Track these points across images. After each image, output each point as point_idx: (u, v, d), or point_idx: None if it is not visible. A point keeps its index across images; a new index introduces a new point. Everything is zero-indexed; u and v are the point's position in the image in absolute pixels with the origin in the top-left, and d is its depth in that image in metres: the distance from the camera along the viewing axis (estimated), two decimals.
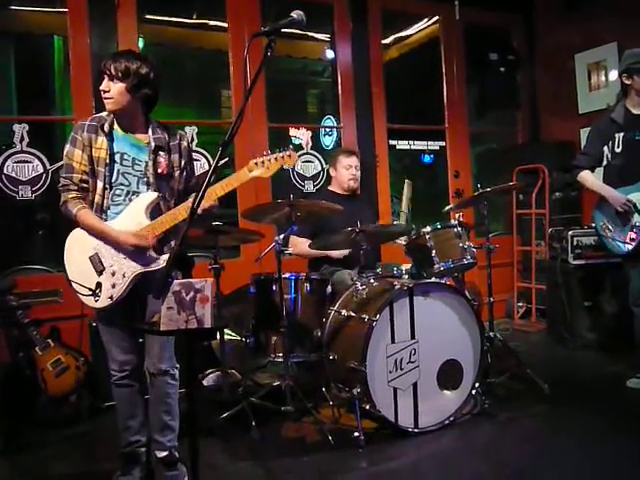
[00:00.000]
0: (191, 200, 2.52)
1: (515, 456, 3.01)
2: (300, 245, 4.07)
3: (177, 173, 2.79)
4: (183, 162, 2.81)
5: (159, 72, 2.71)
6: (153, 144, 2.71)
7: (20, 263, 4.42)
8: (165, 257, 2.63)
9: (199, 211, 2.53)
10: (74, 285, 2.69)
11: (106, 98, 2.63)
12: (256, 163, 2.63)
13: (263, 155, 2.64)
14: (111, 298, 2.63)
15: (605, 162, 3.96)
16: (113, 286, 2.63)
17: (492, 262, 4.00)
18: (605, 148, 3.91)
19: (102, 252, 2.66)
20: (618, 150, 3.84)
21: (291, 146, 2.68)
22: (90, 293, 2.65)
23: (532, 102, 6.55)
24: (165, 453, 2.78)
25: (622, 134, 3.82)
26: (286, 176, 5.27)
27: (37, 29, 5.47)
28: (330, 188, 4.52)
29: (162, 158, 2.73)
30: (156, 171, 2.71)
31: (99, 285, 2.65)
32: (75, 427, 3.61)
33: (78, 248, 2.71)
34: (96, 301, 2.65)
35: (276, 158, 2.64)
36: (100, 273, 2.65)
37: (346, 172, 4.35)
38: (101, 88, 2.62)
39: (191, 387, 2.03)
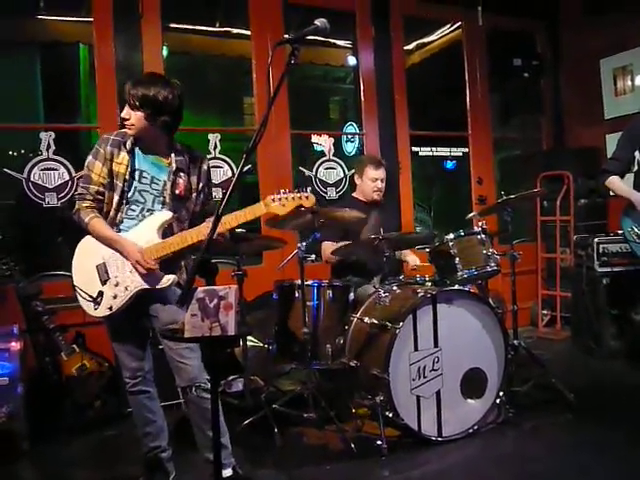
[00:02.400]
0: (203, 225, 2.58)
1: (539, 466, 2.96)
2: (331, 249, 4.04)
3: (194, 195, 2.80)
4: (201, 185, 2.82)
5: (181, 92, 2.70)
6: (174, 165, 2.73)
7: (46, 269, 4.47)
8: (170, 277, 2.64)
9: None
10: (77, 290, 2.72)
11: (127, 125, 2.66)
12: (273, 199, 2.61)
13: (281, 192, 2.63)
14: (110, 309, 2.65)
15: (636, 168, 3.89)
16: (114, 297, 2.65)
17: (516, 269, 3.96)
18: (636, 153, 3.84)
19: (110, 262, 2.68)
20: None
21: (309, 188, 2.68)
22: (90, 300, 2.68)
23: (556, 108, 6.49)
24: (230, 472, 2.73)
25: None
26: (309, 183, 5.28)
27: (63, 37, 5.55)
28: (355, 195, 4.48)
29: (181, 179, 2.75)
30: (174, 192, 2.72)
31: (101, 294, 2.67)
32: (100, 432, 3.64)
33: (87, 255, 2.74)
34: (95, 309, 2.68)
35: (294, 197, 2.63)
36: (104, 282, 2.67)
37: (372, 184, 4.29)
38: (122, 115, 2.65)
39: (215, 394, 2.03)
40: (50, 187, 4.27)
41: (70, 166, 4.34)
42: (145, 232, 2.67)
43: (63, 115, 5.50)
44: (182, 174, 2.75)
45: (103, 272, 2.69)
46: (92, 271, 2.70)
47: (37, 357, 3.80)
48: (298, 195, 2.64)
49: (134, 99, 2.60)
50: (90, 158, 2.72)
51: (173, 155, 2.74)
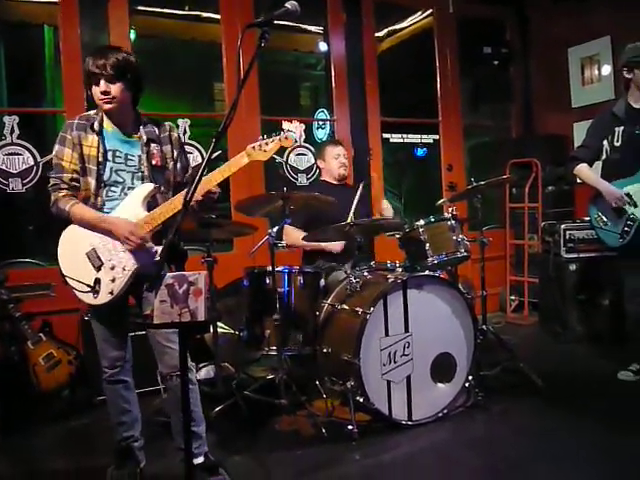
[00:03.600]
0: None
1: (508, 448, 3.01)
2: (293, 234, 4.06)
3: (171, 164, 2.77)
4: (176, 153, 2.79)
5: (138, 61, 2.66)
6: (145, 137, 2.69)
7: (11, 256, 4.39)
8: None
9: (198, 198, 2.52)
10: (70, 282, 2.64)
11: (106, 100, 2.57)
12: (253, 147, 2.63)
13: (259, 139, 2.65)
14: (111, 293, 2.58)
15: (604, 156, 3.94)
16: (113, 280, 2.58)
17: (485, 255, 4.00)
18: (605, 142, 3.89)
19: (99, 247, 2.61)
20: (617, 144, 3.82)
21: (287, 129, 2.68)
22: (88, 290, 2.60)
23: (526, 96, 6.55)
24: (201, 459, 2.71)
25: (622, 128, 3.79)
26: (279, 169, 5.26)
27: (28, 19, 5.42)
28: (323, 178, 4.51)
29: (155, 150, 2.71)
30: (150, 163, 2.68)
31: (97, 281, 2.59)
32: (69, 421, 3.60)
33: (73, 245, 2.67)
34: (95, 297, 2.60)
35: (273, 140, 2.64)
36: (98, 269, 2.60)
37: (335, 161, 4.35)
38: (100, 91, 2.55)
39: (184, 381, 2.01)
40: (14, 172, 4.19)
41: (35, 151, 4.26)
42: (129, 208, 2.62)
43: (27, 98, 5.37)
44: (154, 144, 2.71)
45: (95, 258, 2.61)
46: (83, 260, 2.62)
47: (2, 346, 3.73)
48: (277, 137, 2.65)
49: (110, 69, 2.52)
50: (57, 146, 2.65)
51: (142, 128, 2.70)
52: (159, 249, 2.58)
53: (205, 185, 2.54)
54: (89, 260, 2.62)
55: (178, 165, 2.79)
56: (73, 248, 2.66)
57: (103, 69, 2.52)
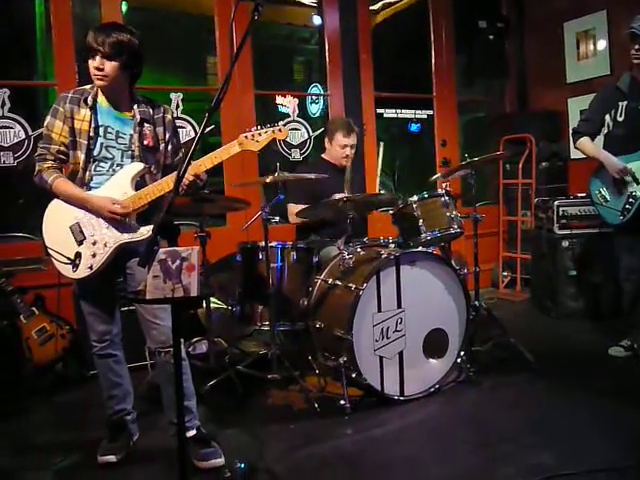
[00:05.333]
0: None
1: (499, 423, 3.04)
2: (296, 210, 4.01)
3: (162, 146, 2.76)
4: (168, 135, 2.77)
5: (143, 43, 2.64)
6: (138, 117, 2.68)
7: (2, 230, 4.36)
8: (148, 228, 2.59)
9: (186, 182, 2.53)
10: (51, 253, 2.66)
11: (99, 76, 2.56)
12: (246, 136, 2.61)
13: (253, 129, 2.62)
14: (90, 268, 2.59)
15: (606, 130, 3.91)
16: (94, 255, 2.59)
17: (478, 232, 4.00)
18: (607, 117, 3.87)
19: (83, 222, 2.62)
20: (620, 119, 3.77)
21: (281, 122, 2.67)
22: (68, 262, 2.61)
23: (520, 71, 6.50)
24: (193, 432, 2.72)
25: (626, 103, 3.74)
26: (272, 145, 5.22)
27: None
28: (324, 156, 4.42)
29: (147, 130, 2.70)
30: (142, 143, 2.67)
31: (78, 255, 2.61)
32: (61, 395, 3.62)
33: (58, 217, 2.67)
34: (74, 271, 2.61)
35: (267, 132, 2.63)
36: (80, 243, 2.61)
37: (341, 150, 4.21)
38: (94, 66, 2.53)
39: (178, 356, 2.02)
40: (5, 146, 4.15)
41: (26, 124, 4.22)
42: (118, 185, 2.61)
43: (18, 72, 5.30)
44: (147, 124, 2.70)
45: (78, 232, 2.62)
46: (66, 233, 2.63)
47: None
48: (271, 129, 2.63)
49: (108, 47, 2.50)
50: (49, 118, 2.65)
51: (135, 107, 2.69)
52: (144, 228, 2.60)
53: (194, 169, 2.53)
54: (72, 233, 2.63)
55: (169, 147, 2.78)
56: (58, 221, 2.67)
57: (101, 45, 2.50)
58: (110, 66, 2.54)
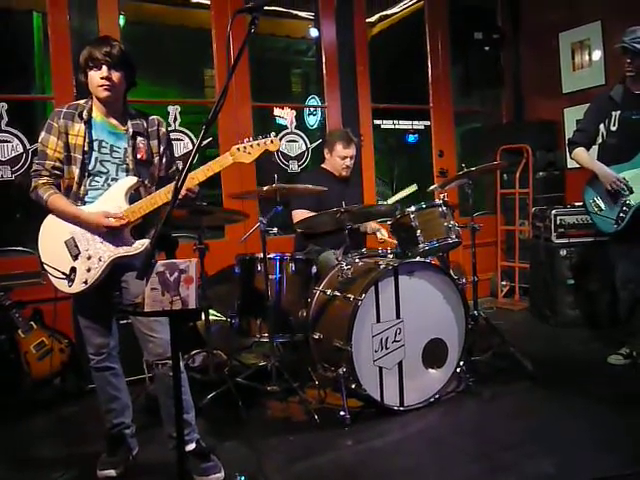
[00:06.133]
0: (172, 184, 2.51)
1: (499, 433, 3.03)
2: (303, 216, 4.00)
3: (156, 159, 2.76)
4: (162, 148, 2.78)
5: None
6: (131, 130, 2.69)
7: (0, 244, 4.36)
8: (143, 242, 2.60)
9: (179, 196, 2.52)
10: (47, 268, 2.66)
11: (106, 86, 2.57)
12: (238, 149, 2.60)
13: (245, 141, 2.62)
14: (85, 282, 2.60)
15: (600, 140, 3.94)
16: (88, 270, 2.60)
17: (476, 241, 4.00)
18: (601, 126, 3.89)
19: (78, 236, 2.63)
20: (614, 128, 3.80)
21: (273, 133, 2.65)
22: (64, 277, 2.62)
23: (516, 81, 6.53)
24: (193, 445, 2.71)
25: (619, 112, 3.78)
26: (271, 156, 5.23)
27: (15, 5, 5.35)
28: (324, 166, 4.44)
29: (141, 144, 2.71)
30: (135, 157, 2.68)
31: (73, 270, 2.61)
32: (60, 409, 3.60)
33: (53, 232, 2.68)
34: (69, 286, 2.62)
35: (259, 143, 2.62)
36: (75, 257, 2.62)
37: (340, 161, 4.26)
38: (102, 76, 2.55)
39: (176, 369, 2.02)
40: (3, 160, 4.16)
41: (24, 138, 4.22)
42: (112, 199, 2.62)
43: (16, 86, 5.31)
44: (141, 138, 2.71)
45: (73, 247, 2.63)
46: (61, 248, 2.64)
47: None
48: (263, 141, 2.62)
49: (115, 57, 2.53)
50: (43, 134, 2.66)
51: (129, 120, 2.70)
52: (139, 242, 2.60)
53: (187, 183, 2.53)
54: (67, 248, 2.64)
55: (163, 160, 2.79)
56: (53, 236, 2.68)
57: (108, 56, 2.53)
58: (116, 76, 2.57)
